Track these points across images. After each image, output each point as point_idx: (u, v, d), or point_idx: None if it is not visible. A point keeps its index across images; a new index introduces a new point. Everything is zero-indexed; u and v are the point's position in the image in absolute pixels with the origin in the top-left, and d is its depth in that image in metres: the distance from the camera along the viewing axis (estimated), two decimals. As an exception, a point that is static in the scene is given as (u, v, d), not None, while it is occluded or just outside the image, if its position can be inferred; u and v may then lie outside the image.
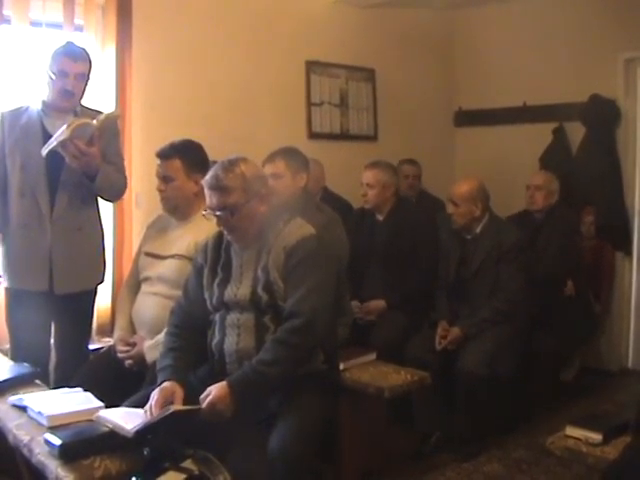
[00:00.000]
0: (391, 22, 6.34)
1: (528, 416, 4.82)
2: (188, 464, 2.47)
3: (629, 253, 6.09)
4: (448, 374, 4.33)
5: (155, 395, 2.84)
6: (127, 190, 4.05)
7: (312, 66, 5.84)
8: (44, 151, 3.51)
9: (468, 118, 6.91)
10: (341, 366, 3.56)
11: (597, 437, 3.08)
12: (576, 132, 6.13)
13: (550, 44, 6.23)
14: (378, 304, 4.69)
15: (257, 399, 2.96)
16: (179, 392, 2.89)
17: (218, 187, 3.02)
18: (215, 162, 3.19)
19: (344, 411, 3.51)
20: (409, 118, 6.51)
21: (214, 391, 2.81)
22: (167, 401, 2.82)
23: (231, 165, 3.04)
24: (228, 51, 5.23)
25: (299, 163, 4.20)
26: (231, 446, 2.91)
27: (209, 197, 3.06)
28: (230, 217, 3.02)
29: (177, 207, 3.68)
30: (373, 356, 4.01)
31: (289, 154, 4.18)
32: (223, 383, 2.83)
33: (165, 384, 2.91)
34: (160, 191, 3.66)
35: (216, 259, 3.19)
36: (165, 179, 3.62)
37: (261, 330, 3.02)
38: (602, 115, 5.97)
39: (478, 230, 4.63)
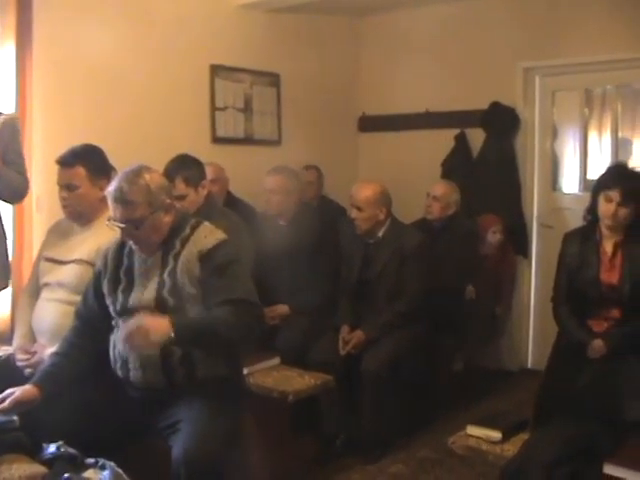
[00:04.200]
0: (296, 27, 6.36)
1: (431, 417, 4.89)
2: (90, 474, 2.41)
3: (528, 257, 6.25)
4: (352, 377, 4.36)
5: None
6: (28, 193, 3.96)
7: (217, 70, 5.79)
8: None
9: (372, 123, 6.98)
10: (245, 371, 3.55)
11: (497, 435, 3.18)
12: (477, 138, 6.27)
13: (452, 52, 6.37)
14: (281, 309, 4.70)
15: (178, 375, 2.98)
16: (25, 395, 2.89)
17: (122, 201, 2.96)
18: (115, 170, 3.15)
19: (248, 416, 3.50)
20: (313, 123, 6.53)
21: (153, 317, 2.85)
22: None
23: (135, 177, 2.99)
24: (132, 53, 5.13)
25: (197, 173, 4.16)
26: (135, 454, 2.88)
27: (113, 209, 3.00)
28: (134, 230, 2.99)
29: (81, 214, 3.59)
30: (277, 360, 4.02)
31: (184, 169, 4.12)
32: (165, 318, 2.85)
33: (25, 386, 2.94)
34: (63, 199, 3.57)
35: (118, 265, 3.15)
36: (69, 187, 3.52)
37: (165, 337, 3.00)
38: (502, 122, 6.12)
39: (380, 234, 4.66)
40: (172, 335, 2.78)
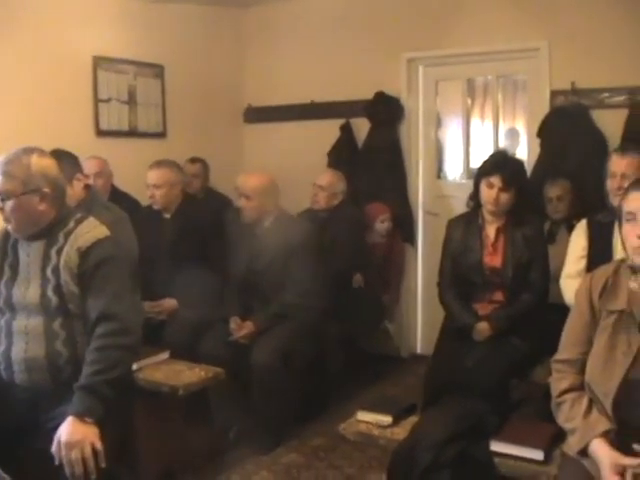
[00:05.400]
0: (181, 18, 6.29)
1: (323, 404, 4.92)
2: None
3: (415, 244, 6.35)
4: (243, 368, 4.35)
5: None
6: None
7: (99, 62, 5.68)
8: None
9: (257, 115, 6.98)
10: (134, 366, 3.48)
11: (387, 420, 3.22)
12: (362, 128, 6.33)
13: (337, 43, 6.41)
14: (169, 303, 4.67)
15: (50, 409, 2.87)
16: None
17: (1, 171, 2.91)
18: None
19: (139, 412, 3.44)
20: (198, 115, 6.49)
21: (65, 432, 2.70)
22: None
23: (22, 153, 2.94)
24: (11, 43, 4.98)
25: (68, 167, 4.04)
26: (26, 462, 2.81)
27: None
28: (1, 203, 2.92)
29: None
30: (166, 355, 3.97)
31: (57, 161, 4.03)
32: (70, 419, 2.72)
33: None
34: None
35: (2, 256, 3.06)
36: None
37: (51, 337, 2.92)
38: (386, 112, 6.19)
39: (268, 224, 4.66)
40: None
